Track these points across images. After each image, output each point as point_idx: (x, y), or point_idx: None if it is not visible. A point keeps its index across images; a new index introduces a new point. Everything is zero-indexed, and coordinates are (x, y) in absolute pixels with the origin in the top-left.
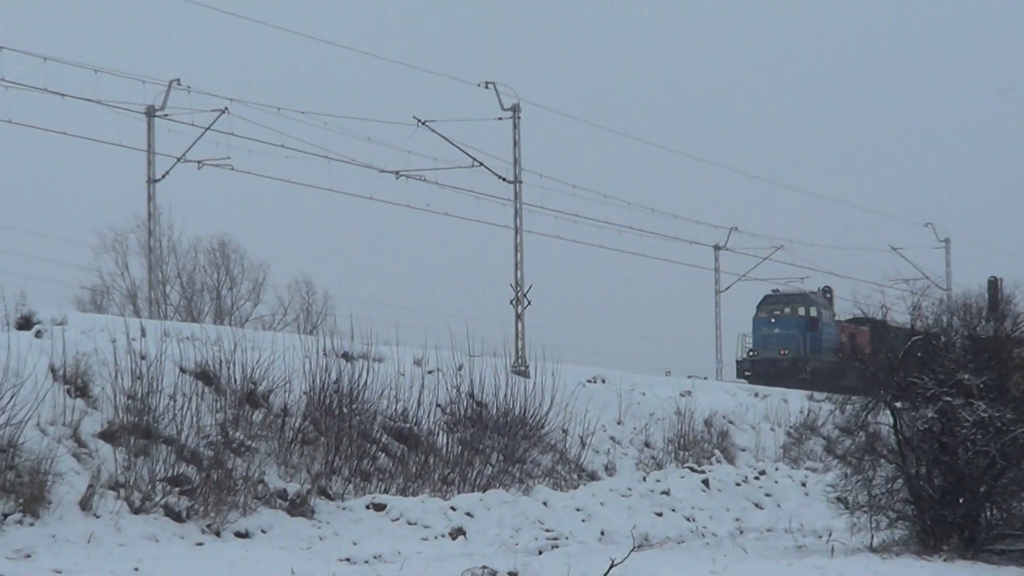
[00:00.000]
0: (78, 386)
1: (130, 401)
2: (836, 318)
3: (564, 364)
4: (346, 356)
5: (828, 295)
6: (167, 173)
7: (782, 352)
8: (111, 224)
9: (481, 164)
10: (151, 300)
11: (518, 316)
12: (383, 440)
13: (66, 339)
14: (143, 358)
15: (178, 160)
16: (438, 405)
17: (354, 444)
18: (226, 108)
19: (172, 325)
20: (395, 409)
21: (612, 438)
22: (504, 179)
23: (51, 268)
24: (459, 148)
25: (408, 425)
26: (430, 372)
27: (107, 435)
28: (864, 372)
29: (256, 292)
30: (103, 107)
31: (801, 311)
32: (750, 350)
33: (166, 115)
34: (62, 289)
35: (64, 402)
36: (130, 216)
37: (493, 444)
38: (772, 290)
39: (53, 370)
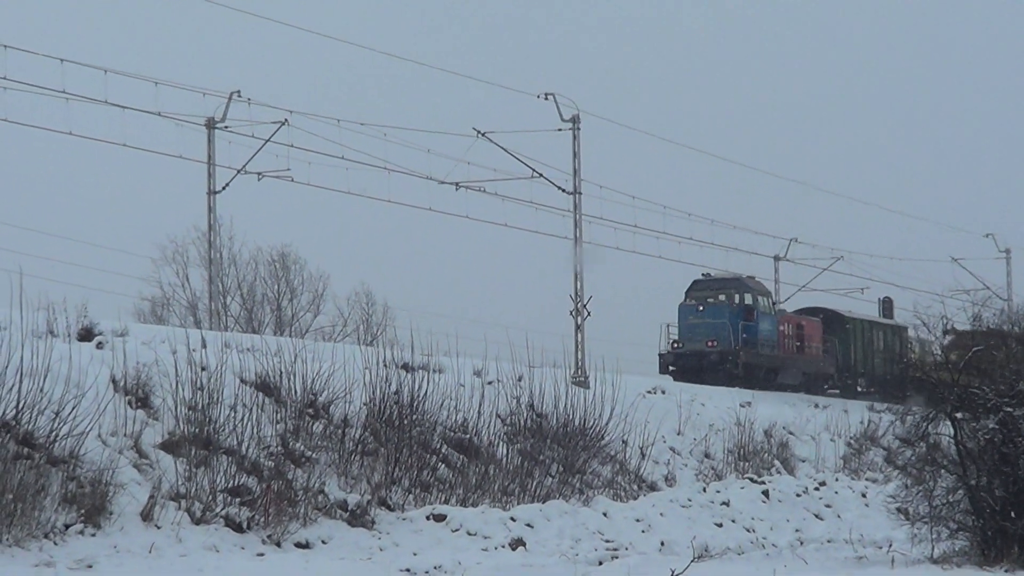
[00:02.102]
0: (139, 397)
1: (191, 412)
2: (779, 307)
3: (624, 375)
4: (406, 367)
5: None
6: (227, 185)
7: (710, 344)
8: (171, 236)
9: (540, 175)
10: (211, 311)
11: (578, 327)
12: (443, 451)
13: (127, 350)
14: (203, 369)
15: (238, 172)
16: (498, 416)
17: (414, 455)
18: (286, 120)
19: (232, 336)
20: (455, 420)
21: (672, 449)
22: (563, 190)
23: (112, 280)
24: (518, 159)
25: (468, 436)
26: (490, 383)
27: (168, 446)
28: (923, 383)
29: (316, 303)
30: (163, 119)
31: (735, 298)
32: (674, 341)
33: (226, 127)
34: (123, 301)
35: (125, 413)
36: (190, 227)
37: (553, 455)
38: (702, 274)
39: (114, 381)
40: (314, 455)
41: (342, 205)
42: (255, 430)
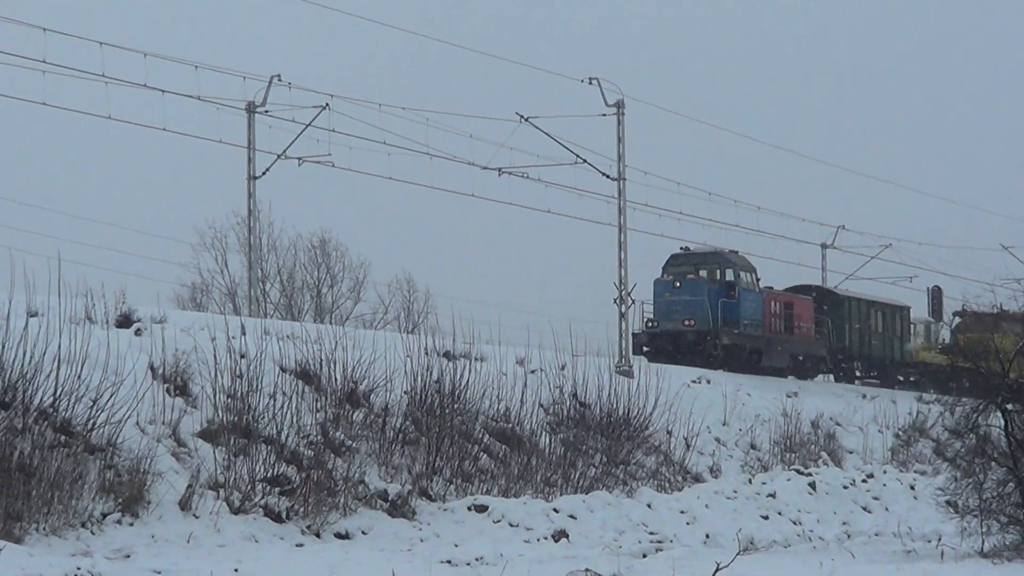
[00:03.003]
0: (177, 385)
1: (230, 400)
2: (763, 283)
3: (668, 364)
4: (447, 355)
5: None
6: (267, 170)
7: (687, 323)
8: (211, 221)
9: (584, 161)
10: (251, 298)
11: (622, 315)
12: (485, 440)
13: (165, 337)
14: (243, 357)
15: (278, 157)
16: (540, 405)
17: (455, 444)
18: (327, 104)
19: (272, 323)
20: (497, 409)
21: (717, 440)
22: (608, 176)
23: (151, 265)
24: (562, 144)
25: (510, 425)
26: (532, 372)
27: (207, 434)
28: (973, 374)
29: (356, 290)
30: (204, 103)
31: (715, 274)
32: (648, 320)
33: (266, 111)
34: (162, 287)
35: (163, 401)
36: (230, 213)
37: (596, 445)
38: (681, 248)
39: (152, 368)
40: (354, 444)
41: (383, 191)
42: (295, 419)
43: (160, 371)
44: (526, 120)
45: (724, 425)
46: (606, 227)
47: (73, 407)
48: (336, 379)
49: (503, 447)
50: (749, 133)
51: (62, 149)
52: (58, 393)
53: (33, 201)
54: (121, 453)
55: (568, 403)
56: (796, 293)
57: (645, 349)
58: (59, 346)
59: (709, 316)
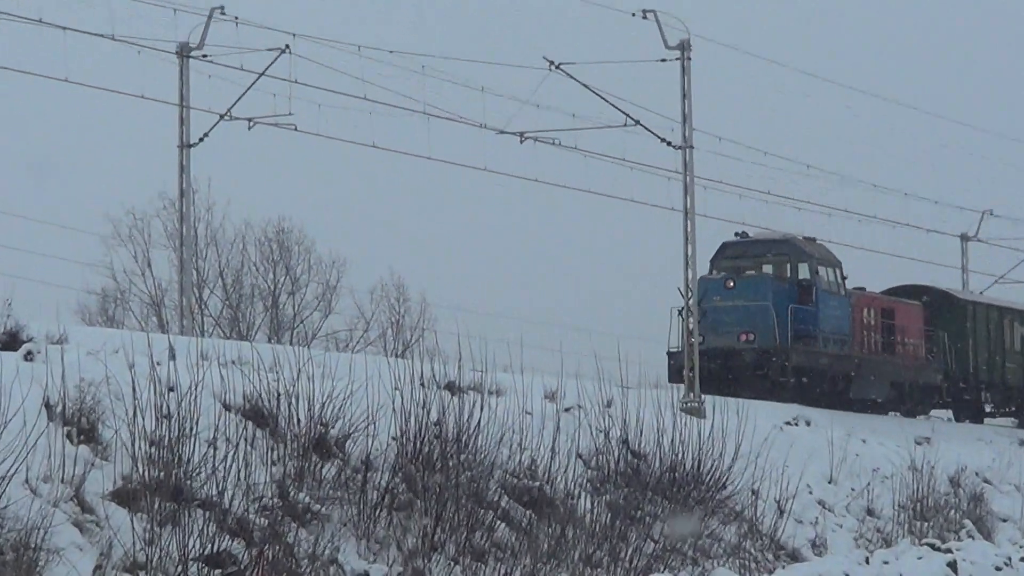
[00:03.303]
0: (82, 428)
1: (153, 449)
2: (851, 282)
3: (753, 400)
4: (451, 387)
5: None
6: (206, 135)
7: (744, 337)
8: (128, 206)
9: (637, 123)
10: (182, 309)
11: (690, 332)
12: (503, 504)
13: (66, 363)
14: (171, 390)
15: (221, 117)
16: (579, 456)
17: (463, 510)
18: (287, 46)
19: (212, 343)
20: (519, 461)
21: (821, 503)
22: (669, 143)
23: (46, 266)
24: (606, 100)
25: (537, 483)
26: (567, 410)
27: (122, 496)
28: None
29: (327, 299)
30: (118, 44)
31: (784, 269)
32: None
33: (204, 56)
34: (61, 294)
35: (63, 450)
36: (154, 195)
37: (655, 510)
38: (736, 234)
39: (48, 406)
40: (324, 510)
41: (364, 163)
42: (242, 475)
43: (59, 409)
44: (557, 67)
45: (831, 483)
46: (666, 212)
47: None
48: (299, 420)
49: (528, 513)
50: (859, 86)
51: None
52: None
53: None
54: (4, 522)
55: (616, 453)
56: (899, 297)
57: (688, 375)
58: None
59: (775, 328)
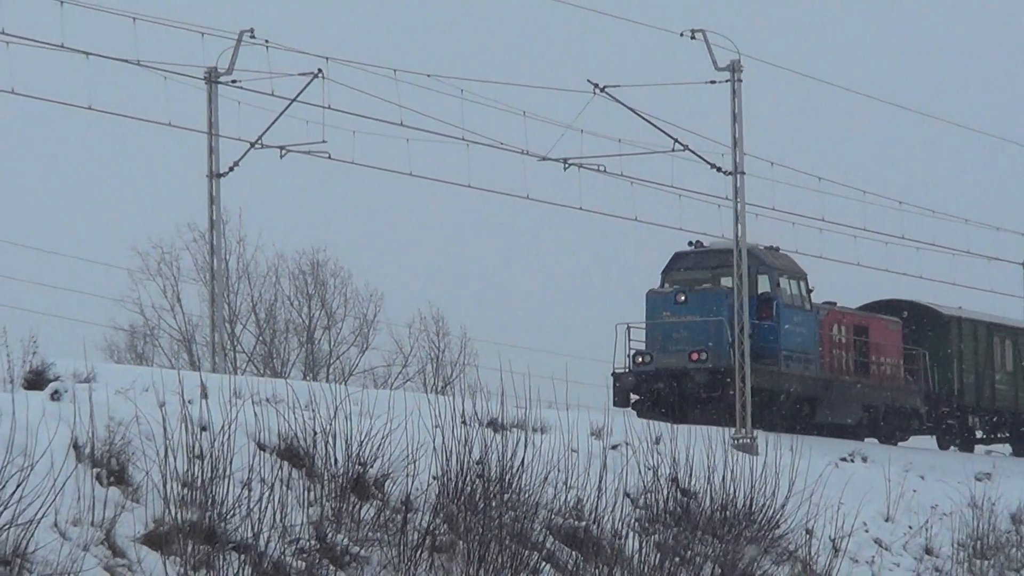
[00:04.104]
0: (112, 470)
1: (186, 491)
2: (821, 297)
3: (807, 435)
4: (494, 425)
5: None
6: (236, 164)
7: (695, 356)
8: (157, 238)
9: (686, 148)
10: (214, 346)
11: (740, 366)
12: (548, 545)
13: (95, 402)
14: (204, 429)
15: (252, 145)
16: (627, 495)
17: (506, 551)
18: (320, 70)
19: (245, 381)
20: (565, 501)
21: (877, 541)
22: (719, 169)
23: (73, 301)
24: (654, 125)
25: (583, 524)
26: (614, 447)
27: (154, 539)
28: None
29: (364, 333)
30: (144, 70)
31: (729, 280)
32: (638, 354)
33: (234, 81)
34: (88, 331)
35: (92, 492)
36: (183, 226)
37: (706, 551)
38: (690, 243)
39: (76, 447)
40: (363, 552)
41: (401, 192)
42: (278, 516)
43: (87, 450)
44: (602, 91)
45: (887, 521)
46: (717, 240)
47: None
48: (336, 460)
49: (573, 554)
50: (917, 107)
51: None
52: None
53: None
54: (33, 567)
55: (665, 491)
56: (874, 313)
57: (632, 398)
58: None
59: (730, 347)
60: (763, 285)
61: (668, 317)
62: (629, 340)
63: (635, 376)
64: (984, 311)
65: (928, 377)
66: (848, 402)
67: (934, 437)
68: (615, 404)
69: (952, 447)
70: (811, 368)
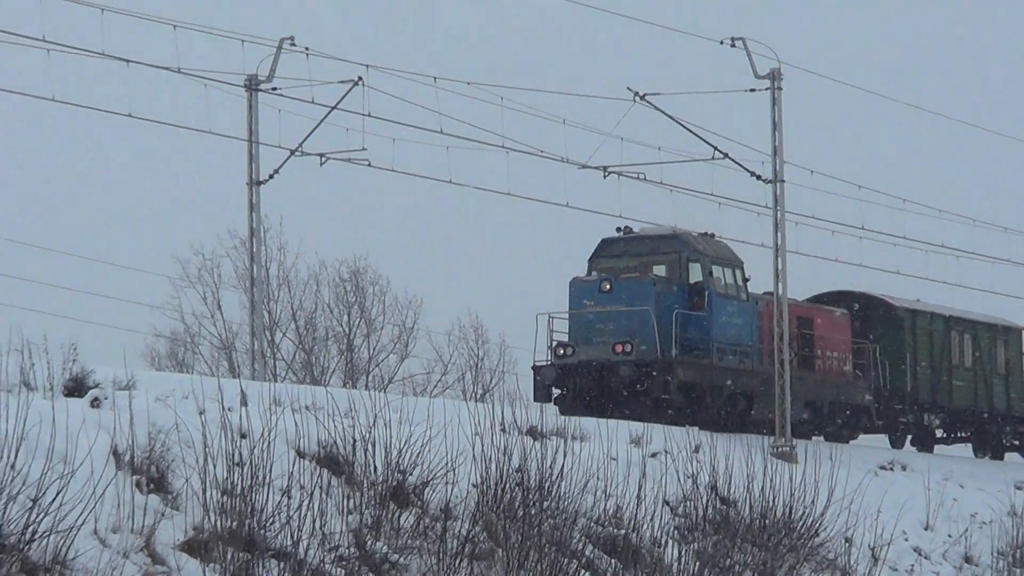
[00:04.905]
0: (152, 477)
1: (225, 498)
2: (763, 288)
3: (846, 445)
4: (533, 433)
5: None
6: (276, 171)
7: (620, 348)
8: (197, 245)
9: (726, 156)
10: (254, 353)
11: (780, 374)
12: (587, 553)
13: (134, 410)
14: (244, 436)
15: (292, 153)
16: (666, 503)
17: (545, 559)
18: (360, 78)
19: (285, 389)
20: (604, 509)
21: (917, 550)
22: (759, 177)
23: (113, 309)
24: (694, 133)
25: (622, 532)
26: (654, 455)
27: (193, 546)
28: None
29: (403, 341)
30: (185, 77)
31: (663, 268)
32: (559, 345)
33: (274, 89)
34: (129, 338)
35: (132, 500)
36: (224, 233)
37: (745, 559)
38: (618, 229)
39: (116, 454)
40: (402, 559)
41: (440, 199)
42: (318, 524)
43: (127, 457)
44: (642, 98)
45: (926, 529)
46: (756, 248)
47: (4, 509)
48: (376, 467)
49: (612, 562)
50: (957, 116)
51: None
52: None
53: None
54: (73, 574)
55: (705, 500)
56: (820, 304)
57: (555, 391)
58: None
59: (657, 337)
60: (695, 274)
61: (592, 307)
62: (551, 331)
63: (556, 369)
64: (942, 304)
65: (879, 372)
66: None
67: (887, 436)
68: (536, 399)
69: (913, 447)
70: (747, 361)
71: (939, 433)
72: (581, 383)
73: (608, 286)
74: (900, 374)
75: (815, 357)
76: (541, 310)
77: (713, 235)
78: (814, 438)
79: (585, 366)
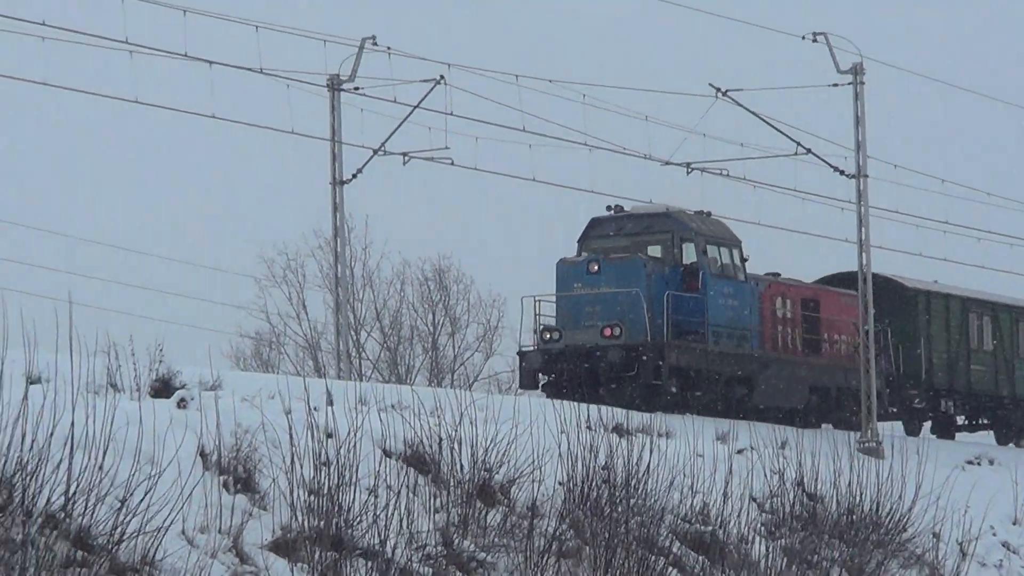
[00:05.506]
0: (239, 477)
1: (312, 498)
2: (764, 269)
3: (933, 439)
4: (619, 430)
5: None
6: (360, 171)
7: (609, 332)
8: (282, 245)
9: (808, 151)
10: (339, 353)
11: (866, 371)
12: (674, 550)
13: (220, 410)
14: (330, 436)
15: (375, 152)
16: (753, 499)
17: (633, 556)
18: (442, 77)
19: (371, 388)
20: (691, 506)
21: (1005, 545)
22: (842, 172)
23: (199, 309)
24: (776, 128)
25: (709, 529)
26: (740, 452)
27: (281, 546)
28: None
29: (488, 339)
30: (267, 78)
31: (657, 248)
32: (545, 329)
33: (356, 88)
34: (214, 339)
35: (220, 500)
36: (309, 233)
37: (832, 555)
38: (608, 207)
39: (203, 454)
40: (489, 558)
41: (523, 197)
42: (405, 523)
43: (214, 458)
44: (724, 94)
45: (1015, 524)
46: (838, 243)
47: (93, 511)
48: (462, 466)
49: (700, 559)
50: None
51: (68, 146)
52: (71, 491)
53: (33, 222)
54: (162, 574)
55: (792, 496)
56: (830, 286)
57: (541, 377)
58: (71, 424)
59: (647, 320)
60: (688, 254)
61: (579, 289)
62: (537, 315)
63: (542, 355)
64: (958, 285)
65: (891, 356)
66: (792, 383)
67: (901, 423)
68: (521, 386)
69: (933, 435)
70: (746, 345)
71: (960, 420)
72: (568, 369)
73: (596, 267)
74: (914, 358)
75: (821, 341)
76: None
77: (709, 213)
78: (824, 426)
79: (572, 351)
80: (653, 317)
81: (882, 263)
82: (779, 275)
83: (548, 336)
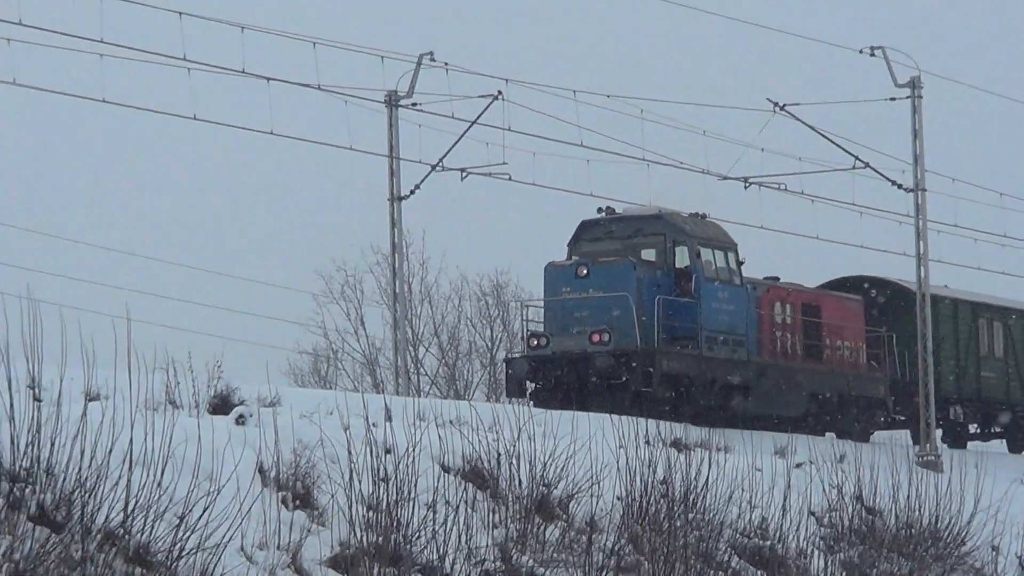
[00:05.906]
0: (297, 493)
1: (371, 514)
2: (742, 268)
3: (991, 452)
4: (677, 444)
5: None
6: (418, 187)
7: (597, 338)
8: (340, 261)
9: (866, 165)
10: (397, 368)
11: (924, 384)
12: (733, 564)
13: (279, 426)
14: (388, 452)
15: (433, 168)
16: (811, 513)
17: (692, 571)
18: (499, 92)
19: (429, 404)
20: (749, 520)
21: None
22: (900, 186)
23: (257, 326)
24: (834, 142)
25: (768, 543)
26: (798, 466)
27: (340, 562)
28: None
29: None
30: (325, 94)
31: (651, 252)
32: (532, 335)
33: (414, 104)
34: (272, 355)
35: (279, 516)
36: (367, 249)
37: (891, 568)
38: (599, 209)
39: (262, 471)
40: (548, 573)
41: (581, 213)
42: (463, 538)
43: (272, 474)
44: (781, 109)
45: None
46: (896, 257)
47: (152, 527)
48: (521, 482)
49: (759, 573)
50: None
51: (123, 162)
52: (130, 508)
53: (88, 238)
54: None
55: (850, 509)
56: (833, 290)
57: (529, 384)
58: (130, 441)
59: (637, 325)
60: (682, 257)
61: (568, 293)
62: (525, 320)
63: (530, 361)
64: (967, 290)
65: (897, 363)
66: (790, 391)
67: (909, 430)
68: (508, 394)
69: (944, 443)
70: (742, 351)
71: (972, 428)
72: (556, 376)
73: (585, 271)
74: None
75: (823, 347)
76: None
77: (704, 215)
78: (827, 434)
79: (560, 358)
80: (644, 322)
81: (939, 277)
82: (778, 279)
83: (536, 342)
